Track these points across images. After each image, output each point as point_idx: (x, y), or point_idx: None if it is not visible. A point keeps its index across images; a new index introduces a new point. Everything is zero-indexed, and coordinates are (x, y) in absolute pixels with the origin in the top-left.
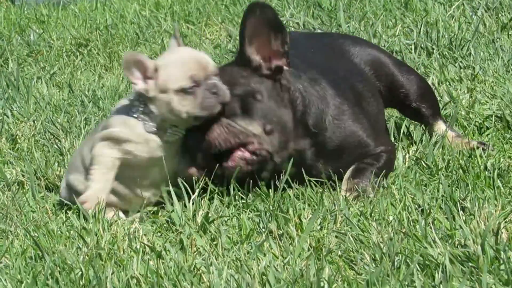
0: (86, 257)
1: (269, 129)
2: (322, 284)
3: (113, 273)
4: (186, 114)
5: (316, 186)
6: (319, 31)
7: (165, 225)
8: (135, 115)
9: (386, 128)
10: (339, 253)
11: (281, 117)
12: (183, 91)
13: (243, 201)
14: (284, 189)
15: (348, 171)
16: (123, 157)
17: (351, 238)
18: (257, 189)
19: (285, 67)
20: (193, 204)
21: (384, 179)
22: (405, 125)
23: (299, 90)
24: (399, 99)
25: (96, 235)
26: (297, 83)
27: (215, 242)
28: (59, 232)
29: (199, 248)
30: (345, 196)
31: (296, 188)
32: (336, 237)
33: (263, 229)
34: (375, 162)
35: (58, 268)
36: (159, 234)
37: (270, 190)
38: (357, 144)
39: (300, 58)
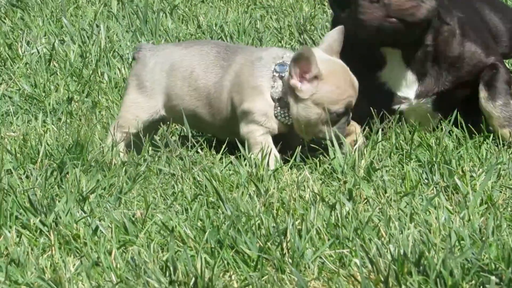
0: (263, 206)
1: None
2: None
3: (292, 224)
4: (319, 131)
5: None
6: None
7: (325, 173)
8: (275, 96)
9: None
10: (509, 209)
11: None
12: (333, 114)
13: (406, 150)
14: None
15: (481, 93)
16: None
17: None
18: (419, 138)
19: None
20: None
21: None
22: None
23: None
24: None
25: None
26: None
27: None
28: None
29: (367, 199)
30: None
31: (454, 138)
32: (500, 192)
33: (426, 180)
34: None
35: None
36: (320, 181)
37: (432, 140)
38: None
39: None
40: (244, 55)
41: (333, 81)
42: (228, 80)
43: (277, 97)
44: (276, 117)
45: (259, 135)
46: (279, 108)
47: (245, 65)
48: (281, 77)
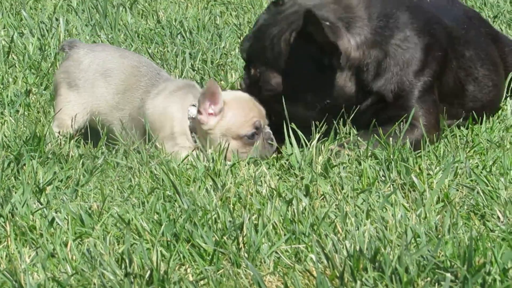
0: (220, 201)
1: None
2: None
3: (249, 218)
4: (242, 155)
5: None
6: None
7: (282, 168)
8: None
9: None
10: (465, 207)
11: None
12: (243, 138)
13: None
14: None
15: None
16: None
17: (480, 193)
18: (377, 137)
19: None
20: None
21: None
22: None
23: None
24: None
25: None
26: None
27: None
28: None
29: (324, 195)
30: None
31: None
32: (457, 190)
33: (383, 178)
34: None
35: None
36: (277, 177)
37: (391, 138)
38: None
39: None
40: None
41: (235, 106)
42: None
43: (190, 126)
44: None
45: (185, 153)
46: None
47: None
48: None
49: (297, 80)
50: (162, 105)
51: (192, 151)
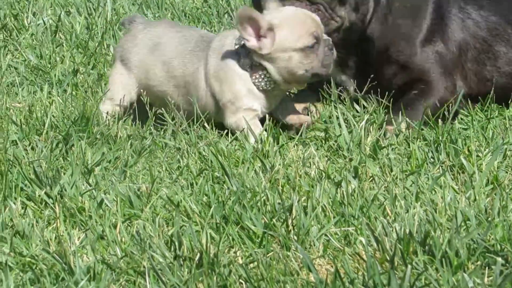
0: (268, 183)
1: None
2: (510, 223)
3: (298, 200)
4: (305, 71)
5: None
6: None
7: (331, 150)
8: (247, 69)
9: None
10: None
11: None
12: (306, 49)
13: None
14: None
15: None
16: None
17: None
18: (426, 118)
19: None
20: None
21: None
22: None
23: None
24: None
25: (267, 157)
26: None
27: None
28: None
29: (373, 177)
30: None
31: (461, 118)
32: (506, 172)
33: (432, 159)
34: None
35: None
36: (326, 158)
37: (439, 119)
38: None
39: None
40: (213, 44)
41: (286, 23)
42: (204, 70)
43: (248, 66)
44: (257, 87)
45: (249, 119)
46: (255, 75)
47: (213, 54)
48: (243, 46)
49: None
50: (214, 67)
51: (256, 115)
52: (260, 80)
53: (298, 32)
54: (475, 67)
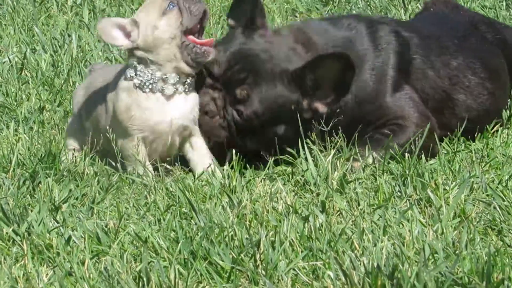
0: (236, 218)
1: None
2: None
3: (266, 235)
4: (179, 32)
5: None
6: None
7: (298, 184)
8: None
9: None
10: (482, 223)
11: None
12: (166, 12)
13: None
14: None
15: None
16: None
17: (497, 208)
18: (392, 152)
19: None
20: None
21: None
22: None
23: None
24: None
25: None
26: None
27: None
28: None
29: (340, 211)
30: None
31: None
32: (473, 205)
33: (399, 193)
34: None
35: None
36: (293, 193)
37: (406, 153)
38: None
39: None
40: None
41: (142, 8)
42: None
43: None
44: (143, 87)
45: (132, 146)
46: (140, 75)
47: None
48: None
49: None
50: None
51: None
52: (145, 77)
53: (152, 5)
54: (435, 115)
